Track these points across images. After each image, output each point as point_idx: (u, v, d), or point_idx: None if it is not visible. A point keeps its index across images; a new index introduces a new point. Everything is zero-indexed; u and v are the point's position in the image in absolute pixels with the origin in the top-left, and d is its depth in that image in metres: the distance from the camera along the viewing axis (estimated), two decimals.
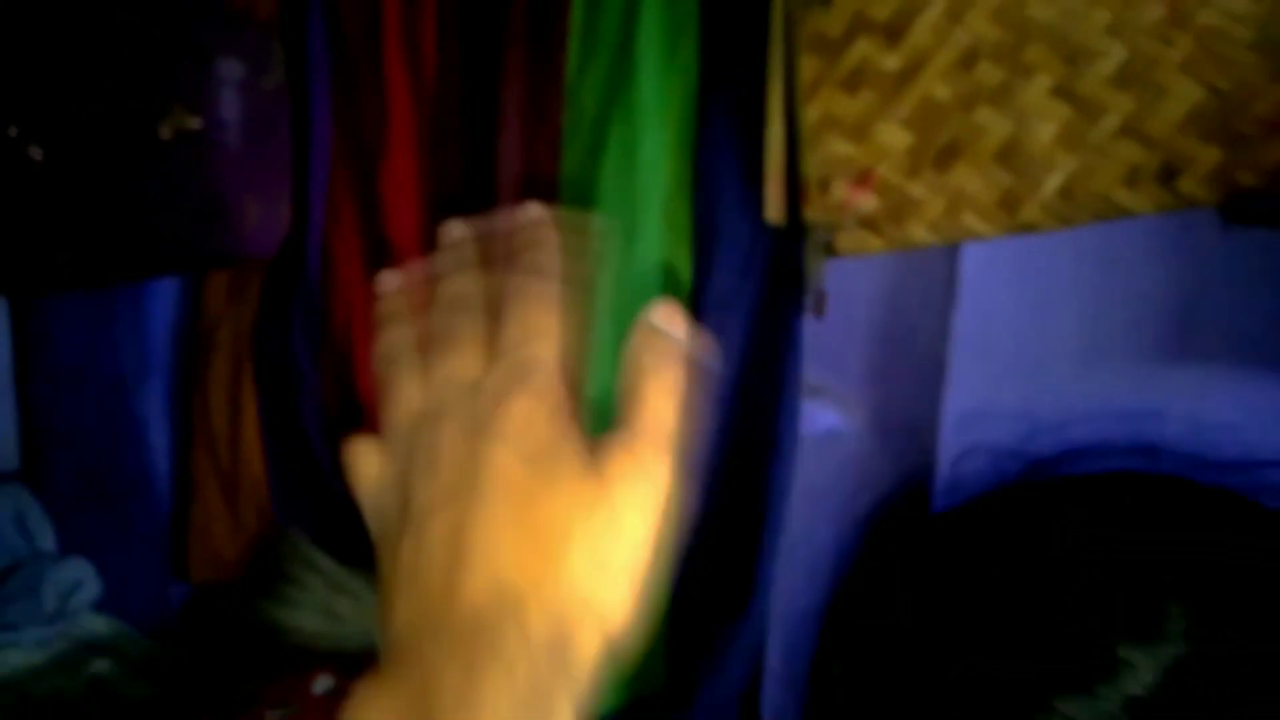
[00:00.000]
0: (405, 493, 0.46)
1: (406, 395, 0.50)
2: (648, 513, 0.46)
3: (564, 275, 0.50)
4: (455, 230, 0.53)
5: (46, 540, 1.04)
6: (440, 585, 0.42)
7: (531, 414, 0.45)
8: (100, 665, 0.98)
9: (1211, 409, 0.70)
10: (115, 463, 1.01)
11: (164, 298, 0.95)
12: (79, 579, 1.01)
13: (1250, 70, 0.61)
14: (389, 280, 0.52)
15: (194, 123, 0.73)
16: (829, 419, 0.83)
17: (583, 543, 0.43)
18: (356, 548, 0.93)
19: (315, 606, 0.89)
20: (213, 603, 0.98)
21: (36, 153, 0.68)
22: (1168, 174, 0.64)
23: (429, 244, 0.83)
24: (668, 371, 0.50)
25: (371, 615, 0.88)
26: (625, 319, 0.77)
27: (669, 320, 0.51)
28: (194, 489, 0.97)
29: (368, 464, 0.52)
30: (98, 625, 1.02)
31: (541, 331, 0.48)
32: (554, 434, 0.45)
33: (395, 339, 0.52)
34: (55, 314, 1.00)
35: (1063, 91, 0.65)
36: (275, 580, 0.92)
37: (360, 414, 0.90)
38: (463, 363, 0.48)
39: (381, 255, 0.85)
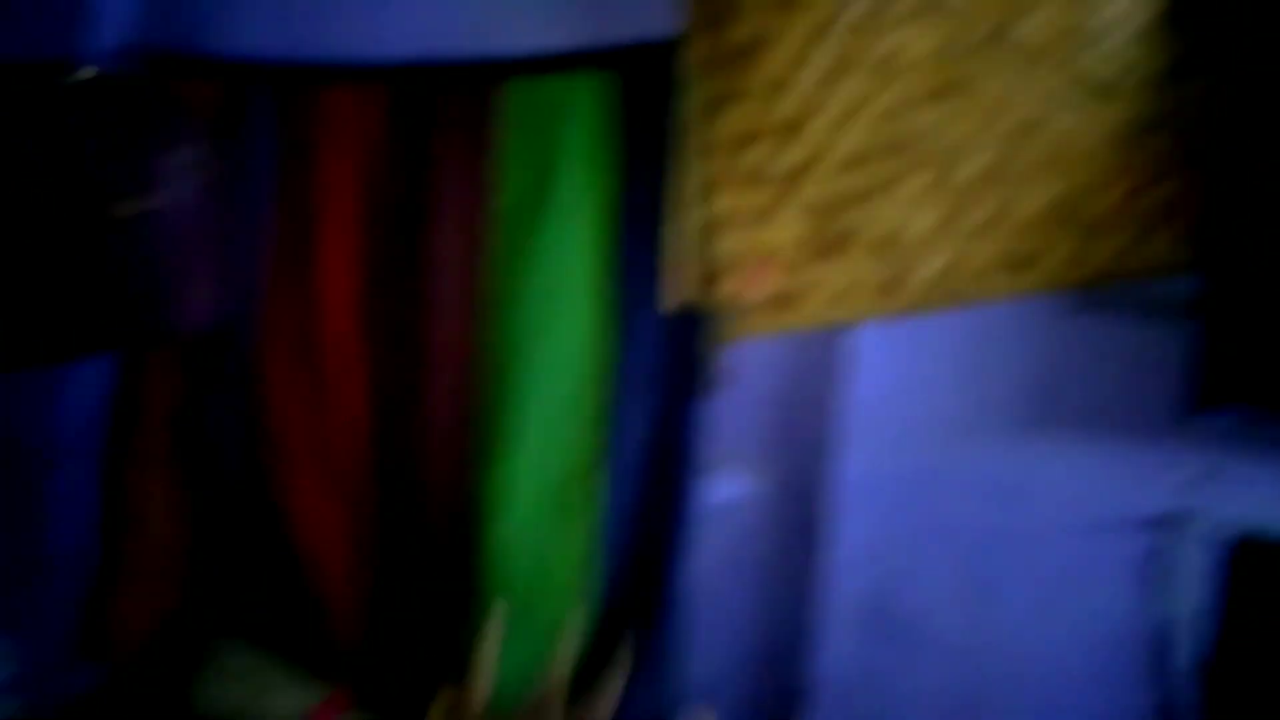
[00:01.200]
0: None
1: None
2: None
3: None
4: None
5: None
6: None
7: None
8: None
9: (1070, 474, 0.77)
10: (28, 541, 1.00)
11: (91, 374, 0.95)
12: None
13: (1098, 168, 0.69)
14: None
15: (146, 205, 0.76)
16: (732, 488, 0.88)
17: None
18: (274, 624, 0.93)
19: (236, 681, 0.89)
20: (130, 679, 0.97)
21: None
22: (1029, 262, 0.71)
23: (359, 326, 0.87)
24: None
25: (291, 690, 0.89)
26: (551, 394, 0.82)
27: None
28: (113, 566, 0.97)
29: None
30: (6, 707, 1.00)
31: None
32: None
33: None
34: None
35: (938, 188, 0.72)
36: (194, 656, 0.91)
37: (281, 490, 0.91)
38: None
39: (312, 336, 0.88)
